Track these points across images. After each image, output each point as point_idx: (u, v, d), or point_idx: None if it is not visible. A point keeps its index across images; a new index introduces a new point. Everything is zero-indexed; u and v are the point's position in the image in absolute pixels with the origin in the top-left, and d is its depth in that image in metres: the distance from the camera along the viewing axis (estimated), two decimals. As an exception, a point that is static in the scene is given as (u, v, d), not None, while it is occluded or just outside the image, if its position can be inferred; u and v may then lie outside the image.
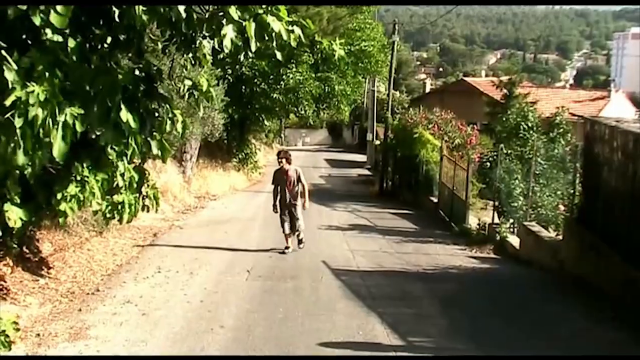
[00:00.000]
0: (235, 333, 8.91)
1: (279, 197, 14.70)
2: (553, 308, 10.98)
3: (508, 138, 24.25)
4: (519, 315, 10.43)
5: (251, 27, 7.26)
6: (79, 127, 6.61)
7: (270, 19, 7.30)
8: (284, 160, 14.67)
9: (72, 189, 8.48)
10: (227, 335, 8.81)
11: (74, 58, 6.96)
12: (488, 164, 23.16)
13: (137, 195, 9.52)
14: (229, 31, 7.31)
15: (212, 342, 8.53)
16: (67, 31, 6.41)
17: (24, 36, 6.63)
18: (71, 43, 6.86)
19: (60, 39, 6.26)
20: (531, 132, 23.99)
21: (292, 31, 8.13)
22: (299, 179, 14.71)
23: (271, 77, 30.82)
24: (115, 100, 7.45)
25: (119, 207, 9.21)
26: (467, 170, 20.20)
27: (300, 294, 11.10)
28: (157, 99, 8.72)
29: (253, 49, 7.45)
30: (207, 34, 8.02)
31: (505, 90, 38.00)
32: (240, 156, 33.09)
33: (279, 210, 14.76)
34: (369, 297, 10.95)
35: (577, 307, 11.00)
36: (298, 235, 15.02)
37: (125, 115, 7.53)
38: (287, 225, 14.74)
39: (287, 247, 14.66)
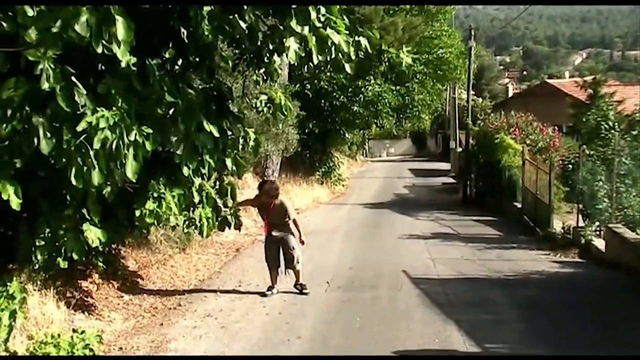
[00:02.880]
0: (311, 344, 9.02)
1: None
2: (636, 312, 10.74)
3: (590, 139, 23.77)
4: (601, 319, 10.23)
5: (312, 39, 7.39)
6: (149, 146, 6.85)
7: (329, 31, 7.42)
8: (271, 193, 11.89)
9: (150, 204, 8.76)
10: (303, 346, 8.92)
11: (151, 81, 7.25)
12: (571, 166, 22.72)
13: (213, 210, 9.75)
14: (292, 43, 7.48)
15: (288, 352, 8.65)
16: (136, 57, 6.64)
17: (99, 63, 6.92)
18: (150, 68, 7.16)
19: (132, 63, 6.48)
20: (612, 131, 23.44)
21: (359, 42, 8.25)
22: (286, 213, 11.95)
23: (350, 90, 30.95)
24: (192, 121, 7.70)
25: (197, 221, 9.47)
26: (550, 173, 19.87)
27: (378, 304, 11.13)
28: (229, 118, 8.94)
29: (315, 61, 7.59)
30: (272, 47, 8.21)
31: (590, 90, 37.25)
32: (323, 169, 33.27)
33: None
34: (447, 305, 10.91)
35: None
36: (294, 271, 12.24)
37: (199, 135, 7.80)
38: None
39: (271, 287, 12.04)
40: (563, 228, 18.60)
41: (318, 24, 7.35)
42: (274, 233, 11.99)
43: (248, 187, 21.30)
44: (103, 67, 6.90)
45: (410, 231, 20.10)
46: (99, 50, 5.72)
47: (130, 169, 6.66)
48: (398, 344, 8.81)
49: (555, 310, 10.78)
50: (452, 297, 11.49)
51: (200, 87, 8.86)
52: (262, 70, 9.70)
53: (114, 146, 6.35)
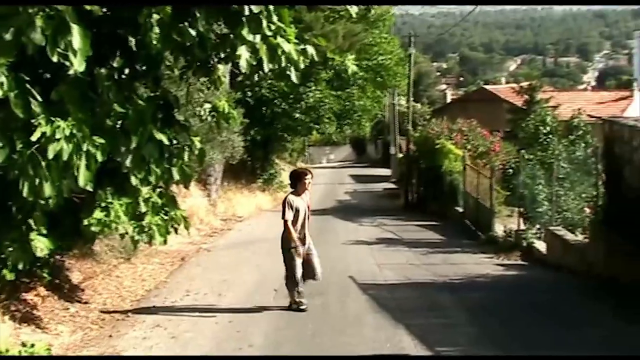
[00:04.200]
0: (264, 351, 8.99)
1: (298, 232, 10.90)
2: (583, 311, 10.96)
3: (529, 143, 24.21)
4: (549, 320, 10.39)
5: (263, 48, 7.40)
6: (100, 157, 6.78)
7: (279, 40, 7.44)
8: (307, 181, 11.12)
9: (98, 214, 8.67)
10: (256, 353, 8.89)
11: (100, 91, 7.17)
12: (511, 170, 23.09)
13: (164, 218, 9.69)
14: (243, 52, 7.46)
15: (241, 361, 8.63)
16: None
17: (46, 72, 6.82)
18: (100, 77, 7.08)
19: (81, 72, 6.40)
20: (551, 136, 23.94)
21: (305, 50, 8.27)
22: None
23: (291, 96, 31.01)
24: (144, 131, 7.63)
25: (147, 229, 9.39)
26: (491, 178, 20.19)
27: (328, 310, 11.16)
28: (176, 127, 8.88)
29: (266, 69, 7.59)
30: (222, 56, 8.19)
31: (526, 96, 37.96)
32: (264, 177, 33.25)
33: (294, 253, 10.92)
34: (396, 309, 10.98)
35: (607, 309, 10.97)
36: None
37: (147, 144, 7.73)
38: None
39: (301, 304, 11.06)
40: (505, 231, 18.90)
41: (269, 33, 7.36)
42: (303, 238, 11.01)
43: (191, 195, 21.19)
44: (51, 76, 6.81)
45: (355, 237, 20.21)
46: (54, 59, 5.64)
47: (83, 179, 6.59)
48: (351, 349, 8.84)
49: (503, 312, 10.94)
50: (401, 302, 11.57)
51: (145, 95, 8.78)
52: (206, 79, 9.67)
53: (66, 157, 6.26)
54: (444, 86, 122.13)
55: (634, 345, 8.81)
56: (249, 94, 28.81)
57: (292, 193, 11.11)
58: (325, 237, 20.75)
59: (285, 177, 36.96)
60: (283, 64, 7.68)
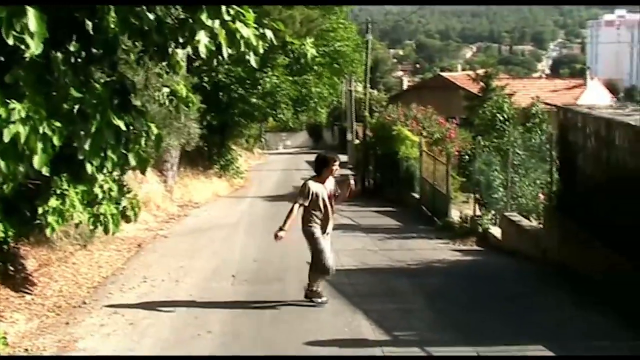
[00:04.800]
0: (222, 338, 8.98)
1: (320, 219, 10.32)
2: (538, 296, 11.10)
3: (485, 130, 24.44)
4: (505, 305, 10.51)
5: (222, 33, 7.34)
6: (57, 141, 6.69)
7: (238, 25, 7.39)
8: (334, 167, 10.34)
9: (53, 202, 8.57)
10: (214, 340, 8.87)
11: (56, 74, 7.06)
12: (467, 157, 23.31)
13: (118, 206, 9.62)
14: (202, 37, 7.39)
15: (200, 348, 8.59)
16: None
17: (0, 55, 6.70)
18: (56, 60, 6.97)
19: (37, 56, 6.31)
20: (507, 123, 24.20)
21: (264, 34, 8.22)
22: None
23: (248, 82, 30.89)
24: (102, 116, 7.53)
25: (102, 218, 9.31)
26: (447, 164, 20.36)
27: (286, 296, 11.14)
28: (132, 112, 8.79)
29: (225, 54, 7.54)
30: (181, 41, 8.11)
31: (482, 84, 38.32)
32: (221, 163, 33.11)
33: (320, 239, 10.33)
34: (354, 295, 11.03)
35: (561, 294, 11.11)
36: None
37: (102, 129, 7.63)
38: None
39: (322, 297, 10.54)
40: (461, 217, 19.10)
41: (228, 17, 7.31)
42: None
43: (147, 181, 21.02)
44: (5, 59, 6.69)
45: (312, 223, 20.19)
46: (10, 41, 5.55)
47: (39, 162, 6.49)
48: (309, 335, 8.86)
49: (460, 297, 11.04)
50: (359, 288, 11.63)
51: (102, 80, 8.67)
52: (164, 63, 9.58)
53: (23, 141, 6.18)
54: (400, 73, 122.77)
55: (587, 332, 8.95)
56: (206, 79, 28.60)
57: (313, 178, 10.32)
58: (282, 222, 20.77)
59: (241, 164, 36.95)
60: (242, 49, 7.64)
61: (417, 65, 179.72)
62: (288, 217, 10.15)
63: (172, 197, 23.75)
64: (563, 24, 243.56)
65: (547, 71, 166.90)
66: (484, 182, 18.57)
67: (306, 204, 10.07)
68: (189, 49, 7.93)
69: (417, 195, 24.40)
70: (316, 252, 10.31)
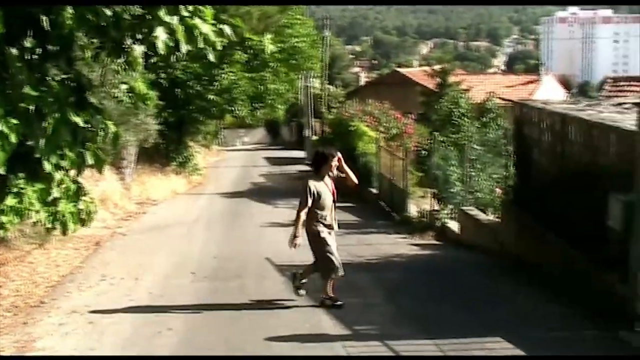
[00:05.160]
0: (183, 335, 8.96)
1: (324, 218, 9.98)
2: (496, 289, 11.25)
3: (442, 125, 24.67)
4: (463, 297, 10.64)
5: (180, 29, 7.31)
6: (13, 139, 6.62)
7: (197, 21, 7.37)
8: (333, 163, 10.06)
9: (10, 201, 8.45)
10: (175, 337, 8.85)
11: (11, 71, 6.97)
12: (425, 152, 23.46)
13: (76, 204, 9.53)
14: (160, 33, 7.35)
15: (161, 345, 8.56)
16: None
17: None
18: (11, 57, 6.88)
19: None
20: (464, 118, 24.43)
21: (222, 30, 8.20)
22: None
23: (205, 78, 30.75)
24: (60, 114, 7.45)
25: (60, 216, 9.21)
26: (405, 159, 20.48)
27: (246, 292, 11.18)
28: (90, 109, 8.70)
29: (183, 50, 7.51)
30: (139, 37, 8.05)
31: (438, 79, 38.58)
32: (179, 160, 32.90)
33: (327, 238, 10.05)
34: (314, 290, 11.00)
35: (518, 286, 11.29)
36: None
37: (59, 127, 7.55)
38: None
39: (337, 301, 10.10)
40: (419, 212, 19.25)
41: (186, 14, 7.29)
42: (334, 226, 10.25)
43: (105, 179, 20.85)
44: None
45: (271, 219, 20.22)
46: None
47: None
48: (270, 330, 8.88)
49: (420, 291, 11.14)
50: (318, 283, 11.59)
51: (57, 77, 8.58)
52: (121, 60, 9.50)
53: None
54: (357, 69, 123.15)
55: (543, 323, 9.09)
56: (163, 75, 28.41)
57: (312, 177, 10.06)
58: (241, 219, 20.81)
59: (199, 161, 36.77)
60: (200, 45, 7.61)
61: (374, 62, 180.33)
62: (297, 222, 9.85)
63: (130, 194, 23.59)
64: (517, 21, 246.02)
65: (503, 67, 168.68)
66: (442, 177, 18.74)
67: (310, 204, 9.76)
68: (144, 45, 7.88)
69: (375, 191, 24.51)
70: (322, 254, 10.00)
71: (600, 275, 9.51)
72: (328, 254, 9.97)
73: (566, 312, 9.51)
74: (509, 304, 10.16)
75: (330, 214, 10.04)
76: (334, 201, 10.10)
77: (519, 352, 7.88)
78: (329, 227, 10.09)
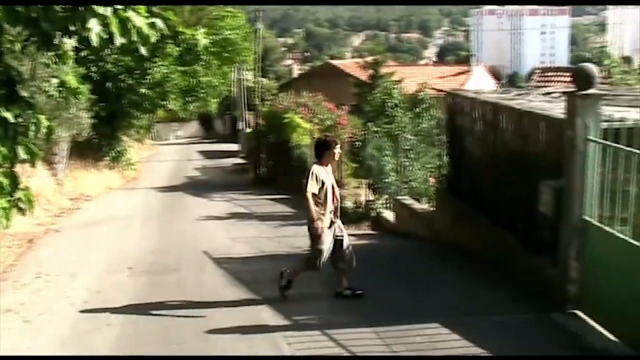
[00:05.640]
0: (122, 329, 8.91)
1: (326, 209, 9.53)
2: (431, 276, 11.42)
3: (376, 116, 24.84)
4: (400, 285, 10.77)
5: (114, 21, 7.24)
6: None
7: (130, 13, 7.31)
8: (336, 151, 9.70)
9: (-58, 196, 8.27)
10: (114, 332, 8.80)
11: None
12: (359, 143, 23.61)
13: (10, 199, 9.36)
14: (94, 25, 7.26)
15: (100, 340, 8.50)
16: None
17: None
18: None
19: None
20: (397, 108, 24.66)
21: (154, 24, 8.15)
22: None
23: (137, 72, 30.42)
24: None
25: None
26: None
27: (185, 286, 11.15)
28: (21, 103, 8.55)
29: (117, 43, 7.44)
30: (72, 30, 7.93)
31: (371, 71, 38.83)
32: (112, 154, 32.48)
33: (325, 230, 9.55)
34: (253, 282, 11.09)
35: (453, 272, 11.48)
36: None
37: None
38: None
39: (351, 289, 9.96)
40: (354, 203, 19.38)
41: (119, 6, 7.21)
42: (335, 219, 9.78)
43: (37, 175, 20.49)
44: None
45: (207, 213, 20.17)
46: None
47: None
48: (210, 323, 8.88)
49: (358, 280, 11.17)
50: (257, 275, 11.69)
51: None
52: (52, 53, 9.35)
53: None
54: (290, 61, 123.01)
55: (479, 307, 9.27)
56: (94, 69, 28.01)
57: (316, 164, 9.62)
58: (177, 213, 20.70)
59: (133, 155, 36.37)
60: (134, 38, 7.55)
61: (307, 54, 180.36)
62: (310, 209, 9.32)
63: (63, 190, 23.23)
64: (448, 13, 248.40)
65: (434, 58, 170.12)
66: (376, 167, 18.91)
67: (316, 191, 9.32)
68: (76, 38, 7.77)
69: (310, 182, 24.55)
70: (314, 248, 9.64)
71: (532, 260, 9.76)
72: (319, 253, 9.62)
73: (500, 296, 9.72)
74: (444, 290, 10.31)
75: (332, 204, 9.61)
76: (333, 192, 9.64)
77: (456, 336, 8.03)
78: (331, 220, 9.61)
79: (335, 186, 9.79)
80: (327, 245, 9.58)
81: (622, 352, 7.33)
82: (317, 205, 9.38)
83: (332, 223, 9.62)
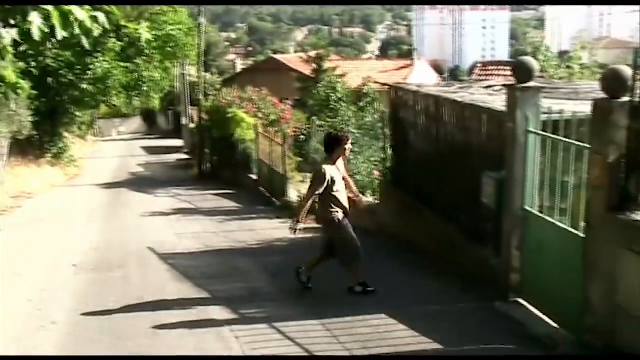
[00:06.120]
0: (68, 327, 8.84)
1: (340, 203, 9.59)
2: (378, 266, 11.50)
3: (320, 110, 24.94)
4: (345, 277, 10.80)
5: (56, 14, 7.17)
6: None
7: (72, 7, 7.25)
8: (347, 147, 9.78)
9: None
10: (60, 330, 8.73)
11: None
12: (303, 137, 23.70)
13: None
14: (35, 19, 7.19)
15: (46, 339, 8.43)
16: None
17: None
18: None
19: None
20: (341, 102, 24.79)
21: (96, 17, 8.09)
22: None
23: (78, 67, 30.00)
24: None
25: None
26: (283, 145, 20.62)
27: (131, 282, 11.10)
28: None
29: (59, 37, 7.37)
30: (12, 23, 7.83)
31: (314, 65, 38.96)
32: (54, 151, 32.04)
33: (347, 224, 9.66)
34: (199, 277, 11.09)
35: (399, 264, 11.62)
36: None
37: None
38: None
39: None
40: (299, 197, 19.40)
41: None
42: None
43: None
44: None
45: (152, 209, 20.04)
46: None
47: None
48: (158, 318, 8.86)
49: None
50: (203, 270, 11.69)
51: None
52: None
53: None
54: (233, 56, 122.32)
55: (423, 297, 9.45)
56: (33, 64, 27.54)
57: (325, 161, 9.67)
58: (121, 210, 20.53)
59: (75, 152, 35.93)
60: (77, 31, 7.49)
61: (250, 49, 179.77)
62: (303, 207, 9.65)
63: (3, 188, 22.84)
64: (390, 7, 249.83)
65: (377, 53, 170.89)
66: (320, 161, 18.98)
67: (321, 190, 9.41)
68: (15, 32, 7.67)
69: (255, 177, 24.58)
70: (344, 240, 9.59)
71: (476, 251, 9.95)
72: (351, 238, 9.59)
73: (445, 286, 9.89)
74: (390, 280, 10.42)
75: (344, 198, 9.63)
76: (345, 186, 9.79)
77: (402, 327, 8.15)
78: (345, 212, 9.66)
79: (348, 178, 10.01)
80: (349, 231, 9.57)
81: (563, 338, 7.52)
82: (332, 200, 9.43)
83: (346, 214, 9.64)
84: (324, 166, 9.56)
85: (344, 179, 9.81)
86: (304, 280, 10.08)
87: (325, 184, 9.38)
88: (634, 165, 6.54)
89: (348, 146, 9.75)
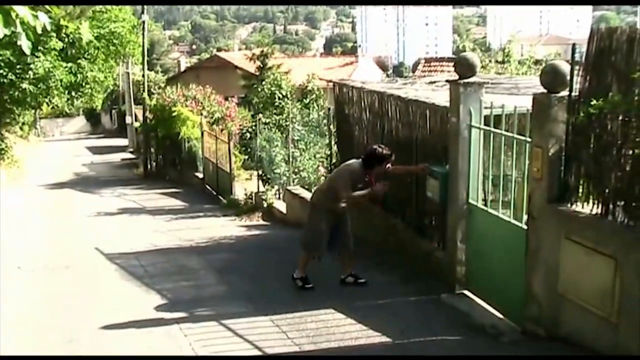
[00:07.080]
0: (17, 328, 8.74)
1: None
2: (323, 263, 11.59)
3: (265, 108, 24.98)
4: (292, 273, 10.90)
5: (-3, 12, 7.09)
6: None
7: (14, 6, 7.17)
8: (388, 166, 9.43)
9: None
10: (9, 330, 8.61)
11: None
12: (248, 134, 23.71)
13: None
14: (-26, 16, 7.10)
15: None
16: None
17: None
18: None
19: None
20: (286, 100, 24.85)
21: (36, 16, 8.01)
22: None
23: (18, 66, 29.47)
24: None
25: None
26: (229, 143, 20.62)
27: (78, 282, 11.02)
28: None
29: (0, 35, 7.29)
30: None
31: (258, 63, 38.91)
32: (-6, 152, 31.56)
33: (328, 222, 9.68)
34: (146, 276, 11.05)
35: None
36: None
37: None
38: None
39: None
40: (246, 194, 19.46)
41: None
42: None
43: None
44: None
45: (97, 209, 19.87)
46: None
47: None
48: (105, 318, 8.80)
49: (250, 269, 11.32)
50: (150, 269, 11.64)
51: None
52: None
53: None
54: (177, 54, 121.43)
55: (371, 291, 9.53)
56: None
57: (357, 168, 9.44)
58: (67, 210, 20.32)
59: (17, 152, 35.37)
60: (19, 30, 7.41)
61: (194, 46, 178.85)
62: (358, 199, 9.57)
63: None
64: (334, 4, 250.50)
65: (321, 50, 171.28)
66: (266, 158, 19.05)
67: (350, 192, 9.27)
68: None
69: (201, 175, 24.54)
70: (314, 229, 9.73)
71: (422, 244, 10.11)
72: (322, 232, 9.59)
73: (393, 280, 9.99)
74: (337, 275, 10.48)
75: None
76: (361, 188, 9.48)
77: (351, 321, 8.24)
78: (342, 212, 9.67)
79: (400, 167, 9.82)
80: (326, 226, 9.57)
81: (507, 328, 7.69)
82: (335, 197, 9.44)
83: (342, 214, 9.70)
84: (354, 171, 9.43)
85: (397, 169, 9.69)
86: (300, 284, 9.93)
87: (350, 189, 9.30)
88: (573, 158, 6.72)
89: (388, 166, 9.40)
